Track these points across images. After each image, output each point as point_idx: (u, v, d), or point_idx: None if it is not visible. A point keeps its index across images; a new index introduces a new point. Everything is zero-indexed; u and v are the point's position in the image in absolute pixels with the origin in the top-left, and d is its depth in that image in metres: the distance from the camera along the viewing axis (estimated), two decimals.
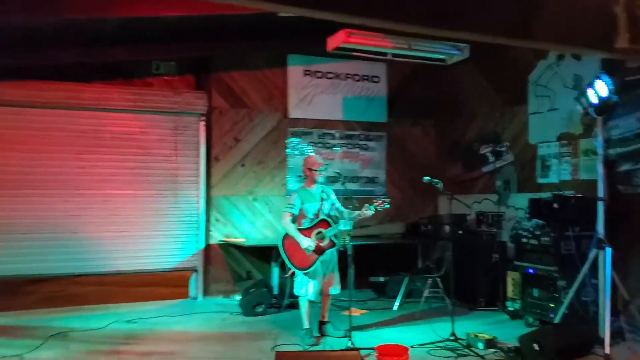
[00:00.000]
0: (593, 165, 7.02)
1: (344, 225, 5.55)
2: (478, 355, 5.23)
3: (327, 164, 5.86)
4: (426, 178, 5.97)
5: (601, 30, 4.57)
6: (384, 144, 9.22)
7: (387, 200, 5.67)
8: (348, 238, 5.39)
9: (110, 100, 7.60)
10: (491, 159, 8.34)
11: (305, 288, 5.73)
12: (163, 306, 7.54)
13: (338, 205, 5.91)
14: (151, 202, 7.91)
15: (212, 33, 7.16)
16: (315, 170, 5.77)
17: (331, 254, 5.82)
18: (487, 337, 5.55)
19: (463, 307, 7.14)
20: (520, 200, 7.88)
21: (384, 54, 5.75)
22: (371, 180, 9.03)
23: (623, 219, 5.76)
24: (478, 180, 8.61)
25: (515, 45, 6.07)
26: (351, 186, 8.86)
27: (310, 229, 5.73)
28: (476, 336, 5.58)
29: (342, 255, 5.75)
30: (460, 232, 7.83)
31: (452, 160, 9.10)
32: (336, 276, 5.87)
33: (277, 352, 4.06)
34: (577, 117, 7.16)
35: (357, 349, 5.02)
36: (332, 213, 5.83)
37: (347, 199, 5.54)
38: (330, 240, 5.69)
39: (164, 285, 7.88)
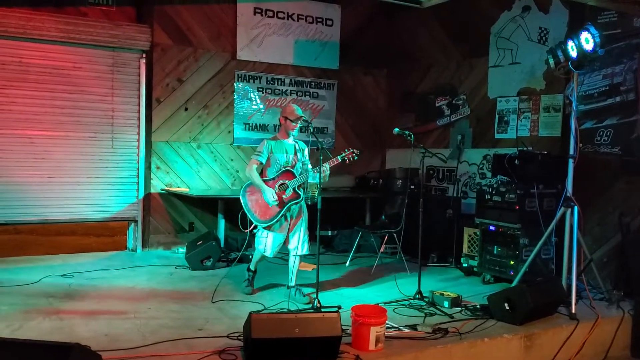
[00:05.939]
0: (553, 122, 6.97)
1: (312, 178, 5.16)
2: (446, 314, 5.06)
3: (306, 120, 5.34)
4: (396, 130, 5.67)
5: None
6: (335, 92, 8.79)
7: (357, 151, 5.32)
8: (317, 191, 5.00)
9: (39, 29, 6.72)
10: (447, 112, 8.14)
11: (265, 243, 5.35)
12: (99, 258, 6.95)
13: (308, 165, 5.47)
14: (84, 146, 7.19)
15: None
16: (291, 120, 5.30)
17: (299, 210, 5.41)
18: (452, 295, 5.38)
19: (414, 262, 6.97)
20: (474, 156, 7.76)
21: None
22: (320, 131, 8.60)
23: (580, 178, 5.69)
24: (431, 134, 8.40)
25: None
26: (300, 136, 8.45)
27: (273, 180, 5.30)
28: (441, 294, 5.41)
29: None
30: (412, 187, 7.63)
31: (403, 112, 8.81)
32: (303, 236, 5.41)
33: (252, 314, 3.67)
34: (539, 73, 7.03)
35: (336, 309, 4.69)
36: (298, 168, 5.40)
37: (317, 149, 5.09)
38: (294, 191, 5.28)
39: (99, 236, 7.27)
